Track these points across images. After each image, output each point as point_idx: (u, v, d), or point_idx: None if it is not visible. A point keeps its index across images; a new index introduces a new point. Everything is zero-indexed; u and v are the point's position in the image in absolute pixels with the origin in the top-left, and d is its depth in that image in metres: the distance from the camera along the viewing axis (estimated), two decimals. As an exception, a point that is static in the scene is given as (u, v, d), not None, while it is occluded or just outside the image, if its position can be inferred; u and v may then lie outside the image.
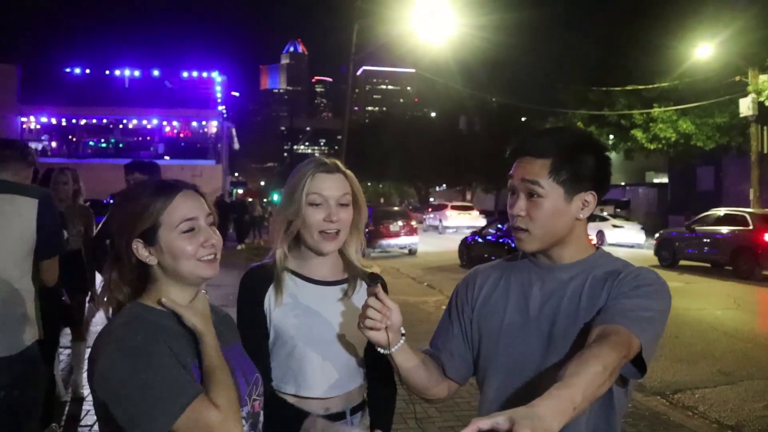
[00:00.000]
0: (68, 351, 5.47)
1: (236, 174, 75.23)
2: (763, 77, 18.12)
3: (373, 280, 1.49)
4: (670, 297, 1.44)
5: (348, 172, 1.80)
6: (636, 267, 1.49)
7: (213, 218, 1.44)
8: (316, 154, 2.01)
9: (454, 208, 33.08)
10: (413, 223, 20.23)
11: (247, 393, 1.45)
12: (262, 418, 1.52)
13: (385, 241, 19.12)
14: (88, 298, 4.90)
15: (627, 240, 22.01)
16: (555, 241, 1.49)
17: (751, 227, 13.68)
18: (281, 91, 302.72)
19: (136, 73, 34.71)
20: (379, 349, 1.50)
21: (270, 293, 1.75)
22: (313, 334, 1.73)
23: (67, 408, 4.64)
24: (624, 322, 1.30)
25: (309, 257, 1.80)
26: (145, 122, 34.26)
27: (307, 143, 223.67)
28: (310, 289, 1.78)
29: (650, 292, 1.40)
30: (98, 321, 5.42)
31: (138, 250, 1.39)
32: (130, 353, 1.28)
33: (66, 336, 5.03)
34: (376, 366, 1.76)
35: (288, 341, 1.73)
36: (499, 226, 15.45)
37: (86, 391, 4.72)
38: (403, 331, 1.52)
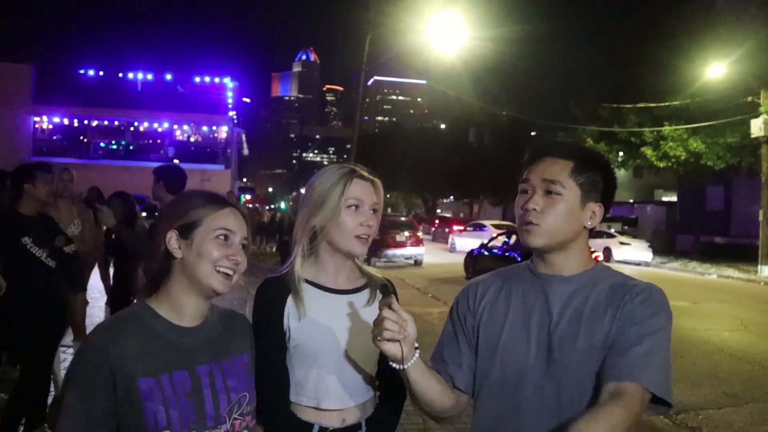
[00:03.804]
0: (70, 350, 5.48)
1: (245, 179, 75.46)
2: (775, 98, 18.05)
3: (385, 291, 1.47)
4: (671, 312, 1.47)
5: (377, 180, 1.81)
6: (641, 285, 1.48)
7: (248, 242, 1.51)
8: (326, 162, 1.98)
9: None
10: (419, 233, 20.22)
11: (227, 411, 1.45)
12: None
13: (390, 251, 19.09)
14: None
15: (634, 258, 21.94)
16: (560, 242, 1.49)
17: None
18: (292, 98, 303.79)
19: (149, 76, 34.88)
20: (392, 364, 1.44)
21: (289, 306, 1.72)
22: (333, 345, 1.70)
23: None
24: (636, 378, 1.33)
25: (327, 266, 1.78)
26: (156, 125, 34.44)
27: (316, 151, 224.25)
28: (328, 299, 1.75)
29: (658, 319, 1.41)
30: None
31: (171, 239, 1.46)
32: (70, 377, 1.40)
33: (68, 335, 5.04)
34: (388, 381, 1.72)
35: (309, 354, 1.69)
36: (506, 239, 15.41)
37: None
38: (417, 345, 1.46)
